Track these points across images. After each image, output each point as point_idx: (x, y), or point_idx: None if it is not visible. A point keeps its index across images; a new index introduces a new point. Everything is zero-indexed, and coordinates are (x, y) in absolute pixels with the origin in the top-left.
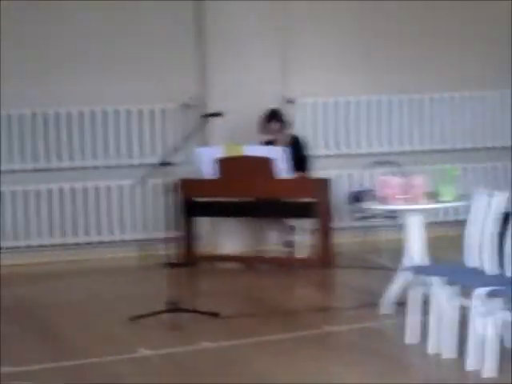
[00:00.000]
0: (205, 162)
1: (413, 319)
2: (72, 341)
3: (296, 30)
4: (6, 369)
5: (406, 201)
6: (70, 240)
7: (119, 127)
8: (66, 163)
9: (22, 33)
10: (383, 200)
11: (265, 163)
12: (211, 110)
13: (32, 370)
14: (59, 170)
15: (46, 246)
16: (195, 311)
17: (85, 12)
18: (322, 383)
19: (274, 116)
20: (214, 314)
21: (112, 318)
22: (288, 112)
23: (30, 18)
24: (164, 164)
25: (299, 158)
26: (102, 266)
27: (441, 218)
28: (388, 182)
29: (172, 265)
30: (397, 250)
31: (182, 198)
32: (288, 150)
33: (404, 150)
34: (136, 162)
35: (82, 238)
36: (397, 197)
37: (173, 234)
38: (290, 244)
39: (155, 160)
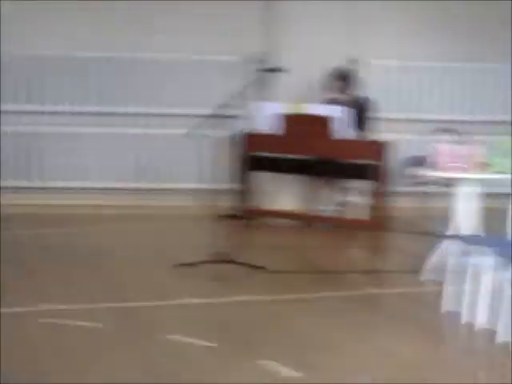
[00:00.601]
0: (263, 116)
1: (451, 287)
2: (121, 283)
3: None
4: (59, 306)
5: (460, 169)
6: (131, 185)
7: (182, 76)
8: (129, 108)
9: None
10: (438, 167)
11: (326, 122)
12: (274, 65)
13: (82, 309)
14: (122, 115)
15: (102, 189)
16: (243, 263)
17: None
18: (351, 345)
19: (339, 74)
20: (261, 268)
21: (161, 265)
22: (354, 72)
23: None
24: (221, 116)
25: (362, 119)
26: (158, 213)
27: (494, 189)
28: (444, 149)
29: (227, 217)
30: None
31: (240, 152)
32: (351, 110)
33: (465, 119)
34: (194, 112)
35: (141, 184)
36: (451, 165)
37: (230, 186)
38: (344, 204)
39: (214, 111)
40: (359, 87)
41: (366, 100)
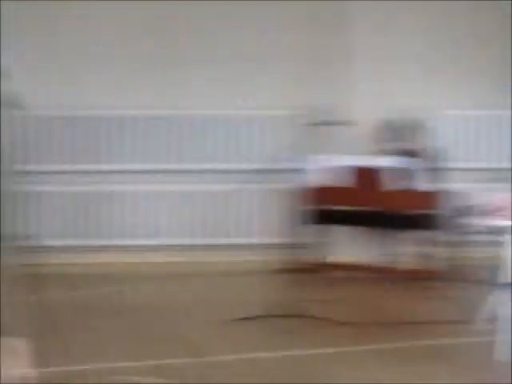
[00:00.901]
0: (323, 169)
1: (503, 336)
2: (184, 338)
3: (434, 51)
4: (124, 364)
5: (507, 217)
6: (187, 241)
7: (240, 131)
8: (185, 165)
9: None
10: (488, 216)
11: (396, 174)
12: (347, 118)
13: (149, 365)
14: (180, 172)
15: (162, 246)
16: (311, 316)
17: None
18: None
19: (414, 123)
20: (327, 320)
21: (218, 320)
22: (418, 122)
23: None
24: (278, 170)
25: (430, 169)
26: (216, 269)
27: None
28: (497, 198)
29: (292, 270)
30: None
31: (302, 205)
32: (418, 160)
33: None
34: (251, 166)
35: (197, 240)
36: (503, 213)
37: (293, 239)
38: (415, 256)
39: (269, 165)
40: (426, 137)
41: (437, 150)
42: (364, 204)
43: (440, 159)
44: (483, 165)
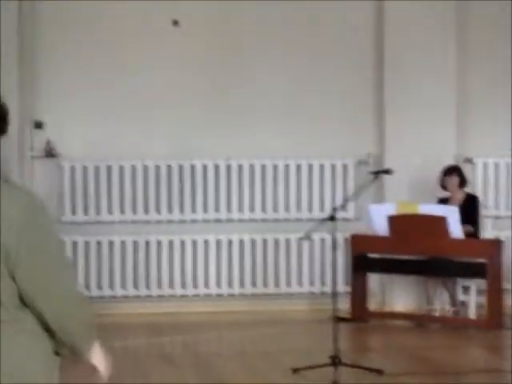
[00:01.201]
0: (378, 218)
1: None
2: None
3: (470, 90)
4: None
5: None
6: (238, 291)
7: (291, 181)
8: (231, 214)
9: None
10: None
11: (438, 222)
12: (386, 166)
13: None
14: (233, 221)
15: (215, 296)
16: (359, 367)
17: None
18: None
19: (454, 170)
20: (378, 371)
21: (276, 369)
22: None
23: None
24: (332, 219)
25: (470, 214)
26: (270, 318)
27: None
28: None
29: (340, 319)
30: None
31: (353, 254)
32: (461, 207)
33: None
34: (305, 216)
35: (249, 290)
36: None
37: (343, 288)
38: (460, 304)
39: (325, 215)
40: (469, 185)
41: (476, 198)
42: (412, 252)
43: (480, 207)
44: None
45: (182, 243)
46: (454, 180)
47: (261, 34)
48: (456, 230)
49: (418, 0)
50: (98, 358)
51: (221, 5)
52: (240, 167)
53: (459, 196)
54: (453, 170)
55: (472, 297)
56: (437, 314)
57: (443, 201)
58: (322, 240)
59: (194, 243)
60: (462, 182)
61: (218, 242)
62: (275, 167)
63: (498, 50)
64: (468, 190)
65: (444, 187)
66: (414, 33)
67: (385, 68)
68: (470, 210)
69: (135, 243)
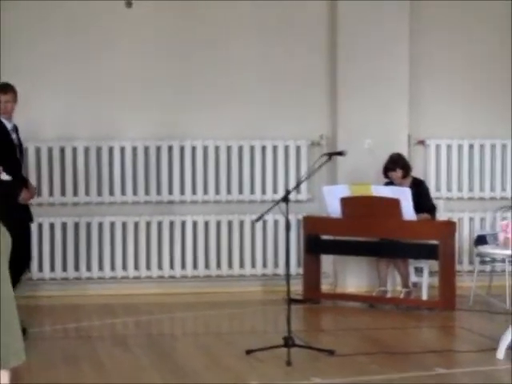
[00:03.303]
0: (331, 200)
1: None
2: (193, 371)
3: (424, 69)
4: None
5: None
6: (191, 273)
7: (246, 163)
8: (185, 196)
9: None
10: (505, 244)
11: (391, 204)
12: (339, 148)
13: None
14: (186, 203)
15: (169, 278)
16: (310, 347)
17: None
18: None
19: (396, 164)
20: (329, 351)
21: (229, 351)
22: (412, 153)
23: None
24: (285, 200)
25: (421, 200)
26: (223, 300)
27: None
28: (509, 226)
29: (293, 301)
30: None
31: (305, 235)
32: (411, 191)
33: None
34: (259, 198)
35: (202, 272)
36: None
37: (296, 270)
38: (412, 285)
39: (278, 197)
40: (416, 168)
41: (423, 182)
42: (365, 234)
43: (427, 191)
44: (494, 194)
45: (136, 225)
46: (397, 173)
47: (213, 18)
48: (408, 211)
49: None
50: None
51: None
52: (193, 149)
53: (405, 183)
54: (395, 165)
55: (424, 278)
56: (389, 295)
57: (389, 184)
58: (276, 222)
59: (148, 225)
60: (406, 172)
61: (172, 224)
62: (229, 149)
63: (450, 35)
64: (414, 174)
65: (387, 177)
66: (367, 18)
67: (337, 51)
68: (420, 195)
69: (88, 224)
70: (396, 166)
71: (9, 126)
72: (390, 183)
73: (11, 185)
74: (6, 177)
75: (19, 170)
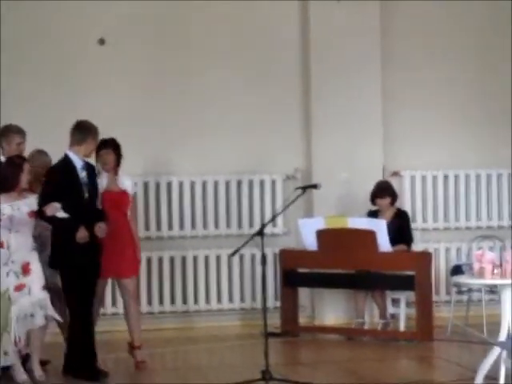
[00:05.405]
0: (307, 232)
1: None
2: None
3: (397, 102)
4: None
5: (501, 276)
6: (169, 308)
7: (222, 197)
8: (161, 232)
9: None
10: (480, 274)
11: (367, 236)
12: (314, 181)
13: None
14: (164, 238)
15: (147, 314)
16: (288, 381)
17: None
18: None
19: (385, 191)
20: None
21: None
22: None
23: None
24: (261, 234)
25: (402, 231)
26: (202, 335)
27: None
28: (484, 256)
29: (271, 334)
30: (497, 325)
31: (282, 268)
32: (392, 222)
33: (504, 224)
34: (235, 232)
35: (180, 307)
36: (493, 271)
37: (273, 303)
38: (389, 316)
39: (254, 230)
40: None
41: (406, 213)
42: (341, 266)
43: (409, 221)
44: (470, 224)
45: None
46: (386, 200)
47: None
48: (384, 243)
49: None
50: None
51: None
52: (168, 185)
53: (390, 212)
54: (385, 192)
55: (402, 309)
56: (367, 326)
57: (373, 213)
58: (252, 255)
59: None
60: (394, 200)
61: (149, 260)
62: (204, 183)
63: (421, 71)
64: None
65: (375, 204)
66: (340, 56)
67: (311, 83)
68: (402, 226)
69: None
70: (385, 193)
71: (79, 163)
72: (375, 212)
73: (67, 223)
74: (62, 214)
75: (81, 209)
